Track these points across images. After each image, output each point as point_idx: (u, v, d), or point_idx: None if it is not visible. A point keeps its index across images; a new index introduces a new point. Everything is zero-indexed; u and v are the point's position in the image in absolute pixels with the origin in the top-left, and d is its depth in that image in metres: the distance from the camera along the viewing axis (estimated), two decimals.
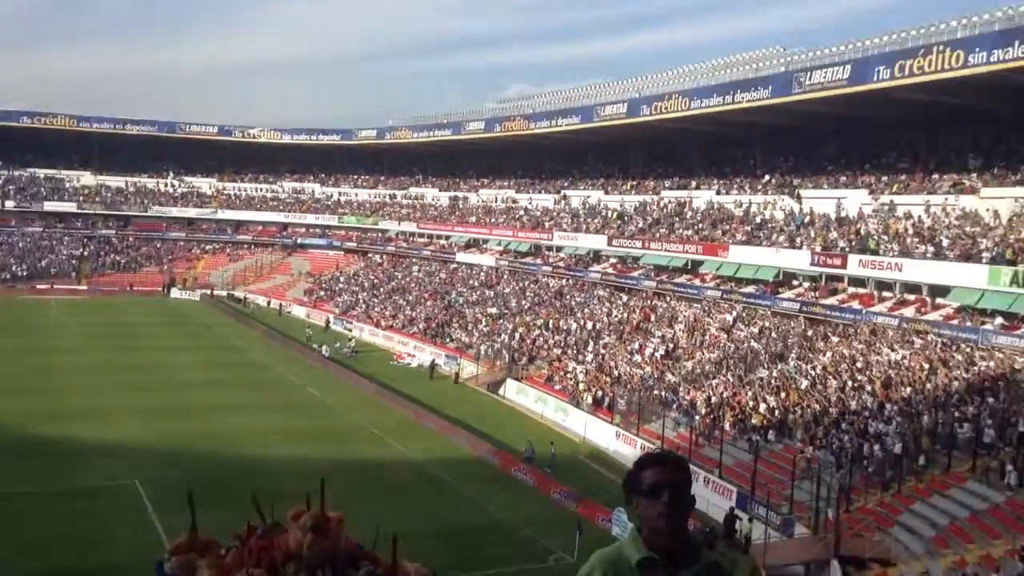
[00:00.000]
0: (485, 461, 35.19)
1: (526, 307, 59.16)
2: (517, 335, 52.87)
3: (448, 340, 57.34)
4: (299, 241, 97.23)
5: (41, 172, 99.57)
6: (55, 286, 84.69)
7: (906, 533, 25.20)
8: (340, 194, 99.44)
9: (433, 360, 53.99)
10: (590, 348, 48.25)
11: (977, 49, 35.66)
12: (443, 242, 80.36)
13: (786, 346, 40.33)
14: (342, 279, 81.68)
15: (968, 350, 33.81)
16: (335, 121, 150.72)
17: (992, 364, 32.16)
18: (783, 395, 35.25)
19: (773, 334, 42.03)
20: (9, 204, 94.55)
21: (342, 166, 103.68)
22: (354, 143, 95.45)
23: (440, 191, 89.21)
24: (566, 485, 31.56)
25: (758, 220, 51.12)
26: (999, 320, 34.65)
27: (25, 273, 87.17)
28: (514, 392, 46.95)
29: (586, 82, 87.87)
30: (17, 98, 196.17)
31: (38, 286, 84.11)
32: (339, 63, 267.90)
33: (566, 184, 75.06)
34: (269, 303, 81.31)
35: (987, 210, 39.65)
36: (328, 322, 69.62)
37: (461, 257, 75.36)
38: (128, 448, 33.79)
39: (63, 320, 67.47)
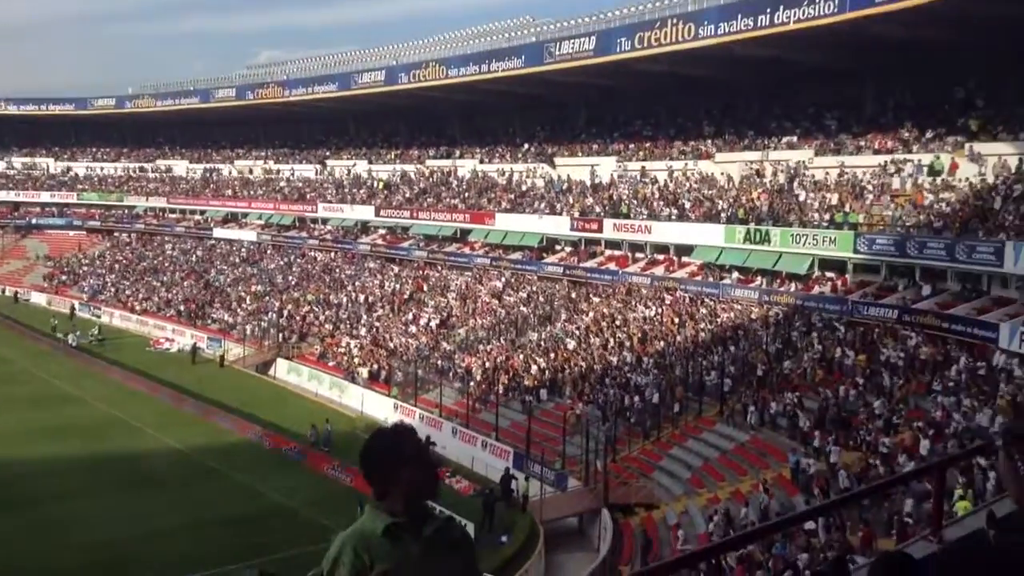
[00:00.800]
0: (257, 445, 34.16)
1: (293, 283, 57.57)
2: (285, 312, 51.40)
3: (210, 321, 54.73)
4: (34, 221, 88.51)
5: None
6: None
7: (667, 477, 27.29)
8: (78, 169, 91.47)
9: (195, 343, 51.33)
10: (363, 322, 47.85)
11: (706, 22, 38.48)
12: (198, 217, 76.15)
13: (552, 308, 42.04)
14: (86, 261, 75.44)
15: (711, 304, 36.85)
16: (69, 89, 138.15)
17: (732, 315, 35.28)
18: (552, 356, 36.81)
19: (540, 298, 43.65)
20: None
21: (79, 138, 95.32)
22: (91, 113, 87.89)
23: (191, 163, 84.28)
24: (345, 461, 31.32)
25: (522, 188, 52.64)
26: (736, 275, 37.99)
27: None
28: (285, 372, 45.74)
29: (341, 49, 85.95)
30: None
31: None
32: (71, 24, 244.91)
33: (328, 154, 73.40)
34: (4, 291, 73.62)
35: (721, 174, 43.14)
36: (73, 309, 64.11)
37: (219, 233, 71.79)
38: None
39: None
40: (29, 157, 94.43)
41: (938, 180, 33.09)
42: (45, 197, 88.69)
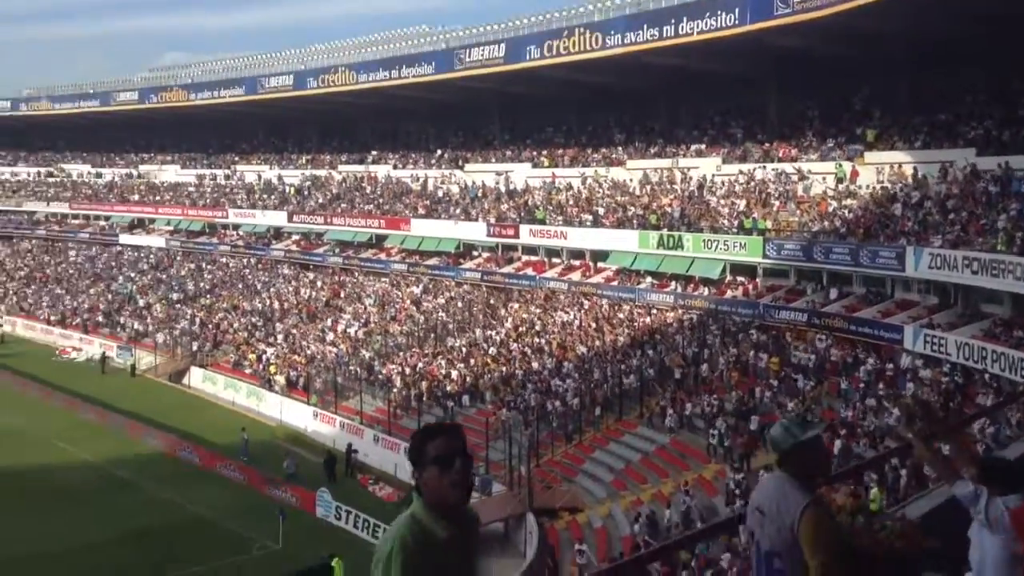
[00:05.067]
0: (179, 458, 33.47)
1: (205, 289, 56.41)
2: (198, 320, 50.37)
3: (120, 330, 53.19)
4: None
5: None
6: None
7: (589, 480, 27.93)
8: None
9: (104, 352, 49.87)
10: (279, 328, 47.26)
11: (613, 31, 39.49)
12: (103, 223, 73.74)
13: (471, 314, 42.37)
14: None
15: (628, 308, 37.76)
16: None
17: (648, 320, 36.25)
18: (472, 361, 37.13)
19: (459, 304, 43.93)
20: None
21: None
22: None
23: (94, 167, 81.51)
24: (263, 471, 31.05)
25: (439, 194, 52.76)
26: (650, 280, 39.00)
27: None
28: (200, 380, 44.84)
29: (248, 52, 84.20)
30: None
31: None
32: None
33: (236, 159, 72.01)
34: None
35: (631, 180, 44.20)
36: None
37: (125, 239, 69.66)
38: None
39: None
40: None
41: (840, 187, 34.70)
42: None
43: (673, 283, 37.88)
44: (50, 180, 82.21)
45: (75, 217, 76.73)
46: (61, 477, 30.54)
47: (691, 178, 41.28)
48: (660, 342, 33.74)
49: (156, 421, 37.38)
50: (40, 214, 78.91)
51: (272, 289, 53.37)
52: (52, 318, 57.89)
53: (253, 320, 49.15)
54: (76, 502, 28.22)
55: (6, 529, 25.65)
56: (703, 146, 42.99)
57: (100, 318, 55.43)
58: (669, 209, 39.38)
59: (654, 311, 36.75)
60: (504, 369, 35.65)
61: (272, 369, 41.97)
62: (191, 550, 24.95)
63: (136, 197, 72.48)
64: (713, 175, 40.45)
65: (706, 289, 36.42)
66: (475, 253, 48.08)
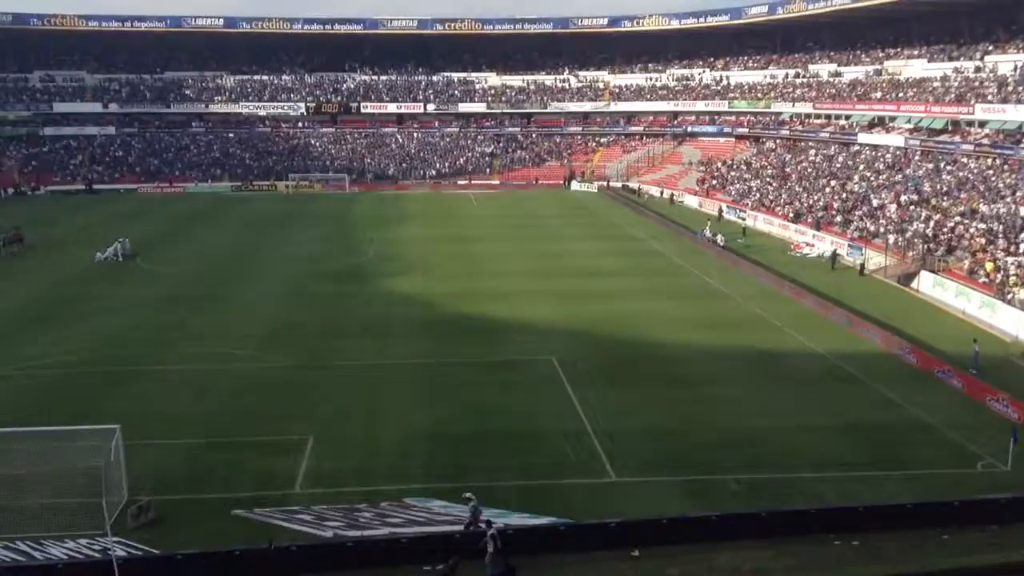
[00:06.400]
0: (898, 358, 33.02)
1: (942, 191, 53.54)
2: (932, 223, 48.23)
3: (851, 229, 54.03)
4: (689, 129, 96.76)
5: (455, 76, 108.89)
6: (472, 181, 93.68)
7: None
8: (729, 78, 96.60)
9: (835, 250, 51.35)
10: (1023, 237, 42.60)
11: None
12: (842, 123, 75.02)
13: None
14: (734, 167, 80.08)
15: None
16: (724, 0, 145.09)
17: None
18: None
19: None
20: (430, 107, 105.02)
21: (731, 48, 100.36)
22: (743, 22, 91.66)
23: (839, 66, 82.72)
24: (995, 387, 28.65)
25: None
26: None
27: (447, 170, 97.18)
28: (929, 286, 43.12)
29: None
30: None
31: (459, 181, 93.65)
32: None
33: (989, 48, 65.58)
34: (661, 193, 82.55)
35: None
36: (721, 211, 69.01)
37: (863, 138, 69.88)
38: (543, 327, 36.80)
39: (480, 212, 74.41)
40: (686, 69, 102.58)
41: None
42: (699, 106, 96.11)
43: None
44: (797, 81, 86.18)
45: (817, 117, 79.48)
46: (791, 362, 32.62)
47: None
48: None
49: (880, 320, 37.31)
50: (785, 115, 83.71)
51: (1019, 193, 48.10)
52: (789, 214, 61.48)
53: (992, 226, 45.11)
54: (800, 386, 29.91)
55: (754, 402, 28.31)
56: None
57: (834, 216, 56.95)
58: None
59: None
60: None
61: (1012, 281, 38.18)
62: (909, 453, 24.56)
63: (878, 95, 71.73)
64: None
65: None
66: None
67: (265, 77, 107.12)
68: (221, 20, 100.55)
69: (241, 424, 26.11)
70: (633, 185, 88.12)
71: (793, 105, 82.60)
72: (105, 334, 35.84)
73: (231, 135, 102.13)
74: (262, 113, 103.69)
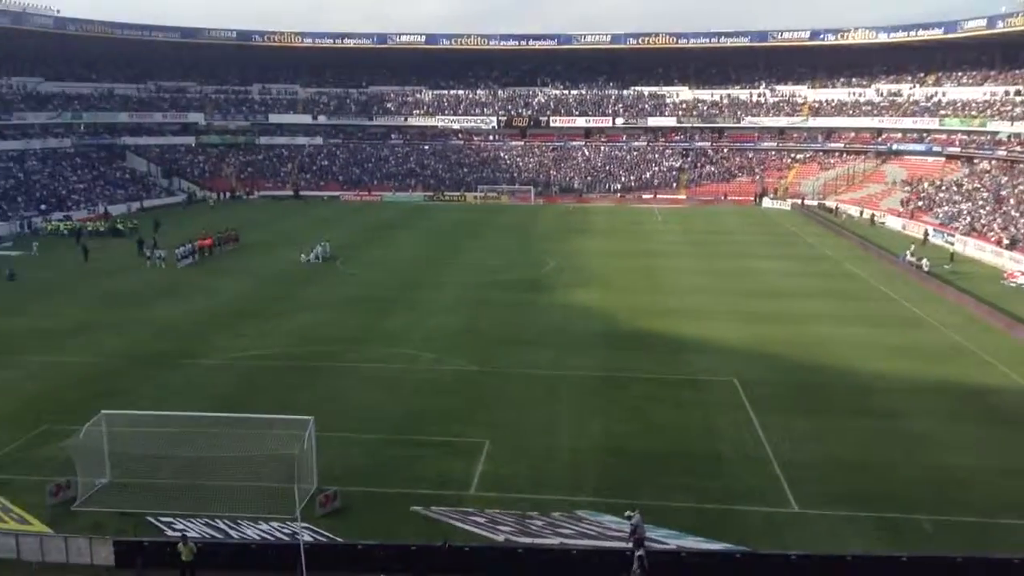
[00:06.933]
0: None
1: None
2: None
3: None
4: (894, 147, 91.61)
5: (645, 90, 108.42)
6: (658, 195, 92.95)
7: None
8: (940, 94, 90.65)
9: None
10: None
11: None
12: None
13: None
14: (943, 188, 75.00)
15: None
16: (936, 14, 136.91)
17: None
18: None
19: None
20: (619, 121, 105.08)
21: (943, 63, 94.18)
22: (958, 36, 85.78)
23: None
24: None
25: None
26: None
27: (633, 183, 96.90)
28: None
29: None
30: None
31: (643, 195, 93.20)
32: None
33: None
34: (861, 213, 78.60)
35: None
36: (926, 234, 64.78)
37: None
38: (725, 347, 35.79)
39: (664, 227, 73.58)
40: (893, 84, 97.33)
41: None
42: (906, 123, 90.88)
43: None
44: (1017, 99, 79.85)
45: None
46: (998, 398, 30.08)
47: None
48: None
49: None
50: (1003, 134, 77.65)
51: None
52: (1004, 240, 56.86)
53: None
54: (1013, 426, 27.50)
55: (954, 439, 26.27)
56: None
57: None
58: None
59: None
60: None
61: None
62: None
63: None
64: None
65: None
66: None
67: (460, 92, 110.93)
68: (423, 37, 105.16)
69: (422, 424, 26.99)
70: (830, 204, 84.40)
71: (1012, 124, 76.42)
72: (303, 331, 38.15)
73: (426, 147, 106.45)
74: (456, 126, 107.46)
